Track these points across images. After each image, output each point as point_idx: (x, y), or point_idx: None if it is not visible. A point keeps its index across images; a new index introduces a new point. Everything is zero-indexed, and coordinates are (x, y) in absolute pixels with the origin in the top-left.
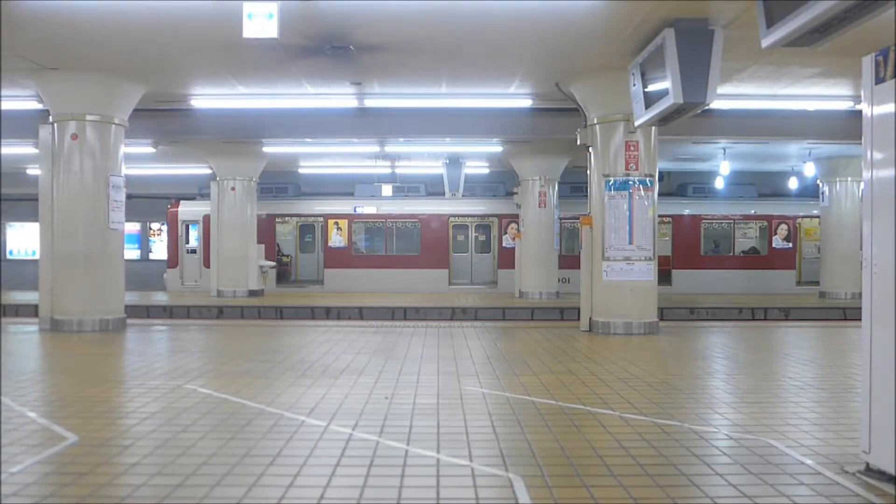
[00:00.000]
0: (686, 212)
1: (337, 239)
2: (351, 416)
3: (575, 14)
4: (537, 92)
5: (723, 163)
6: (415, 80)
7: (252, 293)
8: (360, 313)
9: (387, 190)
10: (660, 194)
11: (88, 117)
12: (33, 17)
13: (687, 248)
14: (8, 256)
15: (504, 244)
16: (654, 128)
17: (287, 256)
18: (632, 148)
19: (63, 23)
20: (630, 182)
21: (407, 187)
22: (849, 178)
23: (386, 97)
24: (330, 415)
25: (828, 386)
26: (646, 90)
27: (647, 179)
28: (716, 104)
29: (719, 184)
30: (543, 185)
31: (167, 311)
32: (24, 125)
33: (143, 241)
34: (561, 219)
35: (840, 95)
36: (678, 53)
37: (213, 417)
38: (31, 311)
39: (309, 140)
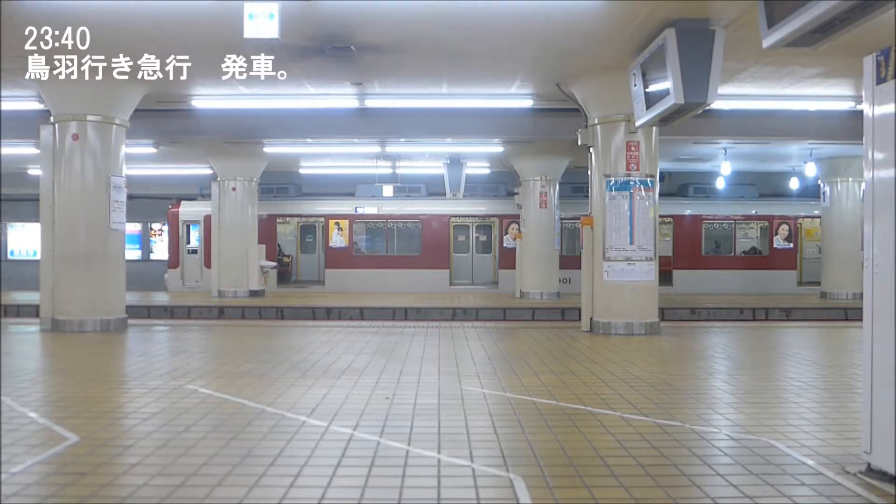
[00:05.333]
0: (687, 212)
1: (338, 239)
2: (352, 417)
3: (576, 14)
4: (538, 92)
5: (724, 163)
6: (415, 80)
7: (253, 293)
8: (361, 314)
9: (388, 190)
10: (661, 194)
11: (89, 117)
12: (32, 17)
13: (688, 248)
14: (9, 257)
15: (505, 244)
16: (655, 128)
17: (288, 257)
18: (633, 148)
19: (62, 22)
20: (631, 182)
21: (408, 188)
22: (850, 179)
23: (387, 97)
24: (331, 415)
25: (829, 386)
26: (647, 90)
27: (648, 180)
28: (717, 104)
29: (720, 184)
30: (544, 185)
31: (168, 312)
32: (24, 125)
33: (144, 241)
34: (562, 219)
35: (841, 96)
36: (679, 54)
37: (214, 418)
38: (33, 311)
39: (310, 140)
